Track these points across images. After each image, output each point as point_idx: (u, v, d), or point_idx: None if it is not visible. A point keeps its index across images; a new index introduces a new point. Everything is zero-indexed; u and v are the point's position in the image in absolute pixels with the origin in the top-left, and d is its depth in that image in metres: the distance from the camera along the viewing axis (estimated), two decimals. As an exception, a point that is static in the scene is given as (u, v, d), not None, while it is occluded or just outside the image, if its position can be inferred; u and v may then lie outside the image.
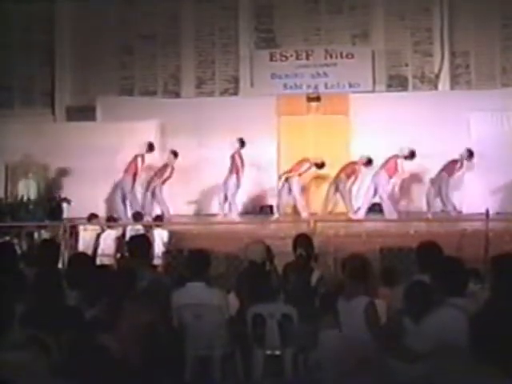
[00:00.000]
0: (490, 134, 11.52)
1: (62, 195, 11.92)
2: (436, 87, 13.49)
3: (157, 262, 7.94)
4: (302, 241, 6.05)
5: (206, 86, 14.17)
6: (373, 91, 13.30)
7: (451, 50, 13.47)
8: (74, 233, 9.22)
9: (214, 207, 12.06)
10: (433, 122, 12.02)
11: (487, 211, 8.40)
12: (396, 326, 4.27)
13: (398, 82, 13.66)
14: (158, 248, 8.70)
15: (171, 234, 9.31)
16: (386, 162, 11.33)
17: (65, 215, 11.47)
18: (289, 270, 5.72)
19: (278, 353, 5.04)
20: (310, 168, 11.73)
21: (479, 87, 13.19)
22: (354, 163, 11.78)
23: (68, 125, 13.60)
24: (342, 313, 4.70)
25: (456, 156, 11.42)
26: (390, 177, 11.35)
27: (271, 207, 12.30)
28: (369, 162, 11.62)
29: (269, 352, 5.04)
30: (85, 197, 11.56)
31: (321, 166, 11.78)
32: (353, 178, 11.69)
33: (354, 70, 13.18)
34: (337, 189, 11.71)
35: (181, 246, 8.61)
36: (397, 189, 11.84)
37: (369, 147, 11.96)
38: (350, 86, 13.20)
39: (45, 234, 9.31)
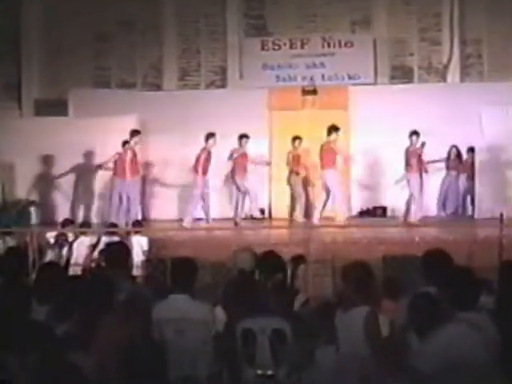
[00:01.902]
0: (504, 130, 11.57)
1: (30, 198, 11.90)
2: (444, 79, 13.57)
3: (136, 272, 7.95)
4: (272, 263, 5.92)
5: (191, 78, 14.19)
6: (374, 83, 13.36)
7: (462, 37, 13.55)
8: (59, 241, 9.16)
9: (200, 211, 12.05)
10: (441, 117, 12.08)
11: (501, 215, 8.43)
12: (399, 341, 4.28)
13: (402, 74, 13.74)
14: (138, 257, 8.70)
15: (152, 242, 9.30)
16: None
17: (33, 220, 11.44)
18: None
19: (270, 372, 5.03)
20: None
21: (492, 79, 13.26)
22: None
23: (36, 120, 13.57)
24: (340, 327, 4.71)
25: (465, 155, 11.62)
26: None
27: (262, 210, 12.34)
28: None
29: (260, 371, 5.03)
30: (56, 200, 11.54)
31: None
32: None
33: (354, 60, 13.25)
34: None
35: (162, 254, 8.61)
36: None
37: (370, 145, 12.01)
38: (350, 77, 13.26)
39: (10, 242, 9.27)
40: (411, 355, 4.17)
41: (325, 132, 11.50)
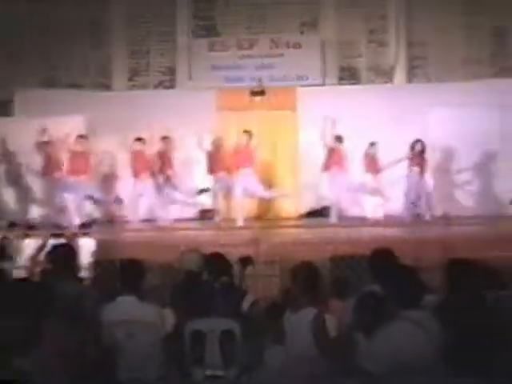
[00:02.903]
0: (451, 131, 11.76)
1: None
2: (391, 80, 13.72)
3: (83, 274, 7.84)
4: (220, 264, 5.87)
5: (140, 78, 14.10)
6: (323, 84, 13.43)
7: (408, 39, 13.71)
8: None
9: (149, 213, 11.97)
10: (388, 117, 12.19)
11: (447, 215, 8.60)
12: (346, 341, 4.32)
13: (350, 75, 13.86)
14: (85, 258, 8.59)
15: (99, 243, 9.21)
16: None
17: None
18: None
19: (219, 373, 5.03)
20: None
21: (438, 80, 13.45)
22: None
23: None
24: (289, 327, 4.74)
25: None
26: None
27: (209, 211, 12.33)
28: None
29: (209, 372, 5.03)
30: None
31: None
32: None
33: (302, 62, 13.31)
34: None
35: (111, 255, 8.52)
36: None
37: (318, 145, 12.06)
38: (298, 78, 13.32)
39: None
40: (358, 354, 4.21)
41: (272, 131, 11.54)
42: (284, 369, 4.57)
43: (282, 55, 13.42)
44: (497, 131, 11.67)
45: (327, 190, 11.84)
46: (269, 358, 4.74)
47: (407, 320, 3.96)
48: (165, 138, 11.80)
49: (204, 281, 5.68)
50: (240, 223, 11.16)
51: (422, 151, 11.70)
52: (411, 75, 13.74)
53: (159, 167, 11.80)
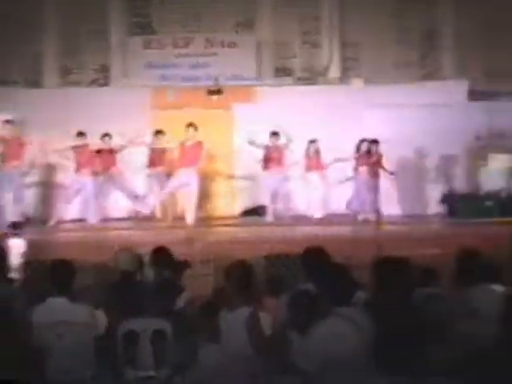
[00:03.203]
0: (383, 131, 11.93)
1: None
2: (325, 81, 13.83)
3: (13, 275, 7.66)
4: (162, 258, 5.93)
5: (73, 76, 13.87)
6: (258, 84, 13.45)
7: (341, 40, 13.86)
8: None
9: (84, 212, 11.78)
10: (322, 117, 12.32)
11: (377, 213, 8.74)
12: (280, 339, 4.33)
13: (284, 75, 13.92)
14: (15, 259, 8.39)
15: (30, 243, 9.01)
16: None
17: None
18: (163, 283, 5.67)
19: (152, 373, 4.98)
20: None
21: (370, 82, 13.64)
22: None
23: None
24: (224, 326, 4.73)
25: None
26: None
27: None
28: None
29: (142, 373, 4.98)
30: None
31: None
32: None
33: (238, 61, 13.31)
34: None
35: (42, 256, 8.35)
36: None
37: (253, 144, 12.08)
38: (233, 78, 13.30)
39: None
40: (293, 352, 4.23)
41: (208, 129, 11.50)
42: (219, 367, 4.55)
43: (217, 54, 13.38)
44: (426, 131, 11.90)
45: (264, 189, 11.85)
46: (203, 357, 4.71)
47: (339, 317, 4.00)
48: (105, 136, 11.60)
49: (138, 280, 5.63)
50: (185, 221, 11.02)
51: (369, 151, 11.79)
52: (344, 76, 13.88)
53: (102, 165, 11.60)
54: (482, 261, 5.17)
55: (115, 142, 11.77)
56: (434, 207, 12.22)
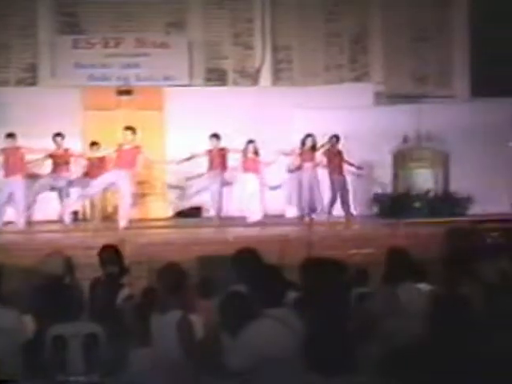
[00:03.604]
0: (314, 133, 12.04)
1: None
2: (257, 83, 13.91)
3: None
4: (110, 254, 5.95)
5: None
6: (190, 85, 13.42)
7: (273, 43, 13.95)
8: None
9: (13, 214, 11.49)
10: (254, 119, 12.38)
11: (310, 215, 8.83)
12: (212, 341, 4.33)
13: (216, 76, 13.93)
14: None
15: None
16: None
17: None
18: (97, 285, 5.62)
19: (82, 379, 4.91)
20: None
21: (302, 84, 13.78)
22: None
23: None
24: (156, 329, 4.69)
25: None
26: None
27: (76, 213, 12.03)
28: None
29: (72, 378, 4.90)
30: None
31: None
32: None
33: (169, 62, 13.25)
34: None
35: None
36: None
37: (186, 145, 12.04)
38: (165, 78, 13.24)
39: None
40: (225, 354, 4.23)
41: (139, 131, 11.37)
42: (151, 371, 4.52)
43: (148, 55, 13.28)
44: (354, 132, 12.05)
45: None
46: (135, 361, 4.67)
47: (270, 318, 4.02)
48: (57, 136, 11.26)
49: (67, 284, 5.54)
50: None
51: (313, 146, 11.72)
52: (276, 78, 13.97)
53: (53, 167, 11.28)
54: (410, 260, 5.29)
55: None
56: (366, 208, 12.40)
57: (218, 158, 11.57)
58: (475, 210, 12.03)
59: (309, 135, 11.70)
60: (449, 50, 14.21)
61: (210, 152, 11.61)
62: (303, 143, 11.72)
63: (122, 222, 10.60)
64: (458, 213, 11.71)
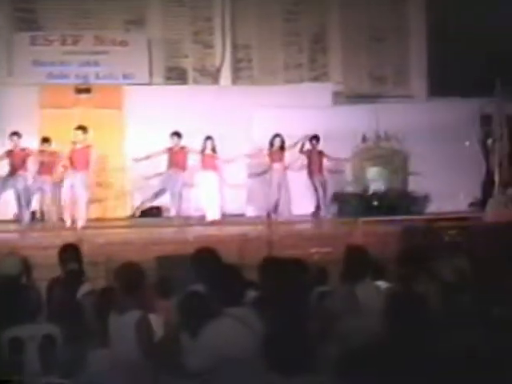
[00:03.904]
0: (273, 131, 12.06)
1: None
2: (217, 81, 13.87)
3: None
4: (71, 253, 5.91)
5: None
6: (150, 83, 13.33)
7: (233, 42, 13.92)
8: None
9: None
10: (214, 117, 12.34)
11: (268, 214, 8.85)
12: (171, 341, 4.30)
13: (176, 75, 13.86)
14: None
15: None
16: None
17: None
18: (55, 285, 5.55)
19: (39, 380, 4.85)
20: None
21: (262, 83, 13.79)
22: None
23: None
24: (114, 330, 4.65)
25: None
26: None
27: (34, 213, 11.84)
28: None
29: (29, 380, 4.83)
30: None
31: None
32: None
33: (129, 60, 13.12)
34: None
35: None
36: None
37: (145, 144, 11.97)
38: (124, 77, 13.12)
39: None
40: (184, 354, 4.21)
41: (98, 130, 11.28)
42: (109, 372, 4.48)
43: (107, 53, 13.13)
44: (314, 131, 12.09)
45: (160, 189, 11.70)
46: (94, 362, 4.62)
47: (230, 317, 4.01)
48: (14, 135, 11.03)
49: (23, 285, 5.46)
50: (68, 224, 10.71)
51: (282, 146, 11.74)
52: (236, 77, 13.96)
53: (10, 167, 11.07)
54: (368, 258, 5.33)
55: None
56: (326, 207, 12.43)
57: (178, 157, 11.51)
58: (433, 208, 12.20)
59: (277, 135, 11.77)
60: (406, 50, 14.37)
61: (170, 150, 11.54)
62: (271, 144, 11.78)
63: (80, 222, 10.51)
64: (415, 211, 11.84)
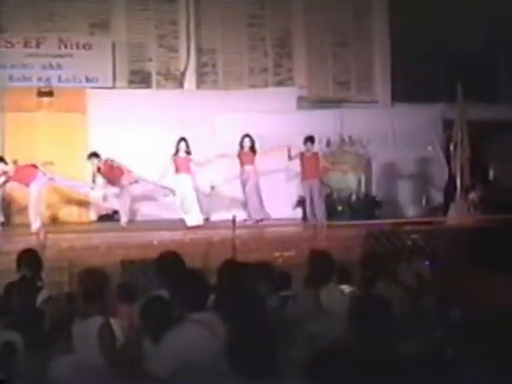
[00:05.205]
0: (236, 136, 12.05)
1: None
2: (182, 85, 13.83)
3: None
4: (27, 258, 5.86)
5: None
6: (113, 87, 13.24)
7: (198, 46, 13.89)
8: None
9: None
10: (178, 122, 12.28)
11: (233, 218, 8.84)
12: (134, 347, 4.27)
13: (140, 78, 13.78)
14: None
15: None
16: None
17: None
18: (12, 290, 5.49)
19: (-1, 388, 4.77)
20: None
21: (226, 87, 13.79)
22: None
23: None
24: (77, 336, 4.60)
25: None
26: None
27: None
28: None
29: (-10, 387, 4.75)
30: None
31: None
32: None
33: (92, 63, 13.00)
34: None
35: None
36: None
37: (109, 148, 11.87)
38: (88, 80, 13.01)
39: None
40: (146, 359, 4.18)
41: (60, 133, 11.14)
42: (72, 379, 4.43)
43: (70, 56, 12.99)
44: (279, 136, 12.07)
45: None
46: (55, 369, 4.57)
47: (193, 322, 3.99)
48: None
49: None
50: (34, 228, 10.55)
51: (252, 147, 11.51)
52: (200, 82, 13.94)
53: None
54: (332, 262, 5.35)
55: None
56: (290, 211, 12.46)
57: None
58: (396, 212, 12.29)
59: (246, 135, 11.50)
60: (370, 56, 14.49)
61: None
62: (241, 145, 11.51)
63: (35, 226, 10.42)
64: (379, 216, 11.92)
